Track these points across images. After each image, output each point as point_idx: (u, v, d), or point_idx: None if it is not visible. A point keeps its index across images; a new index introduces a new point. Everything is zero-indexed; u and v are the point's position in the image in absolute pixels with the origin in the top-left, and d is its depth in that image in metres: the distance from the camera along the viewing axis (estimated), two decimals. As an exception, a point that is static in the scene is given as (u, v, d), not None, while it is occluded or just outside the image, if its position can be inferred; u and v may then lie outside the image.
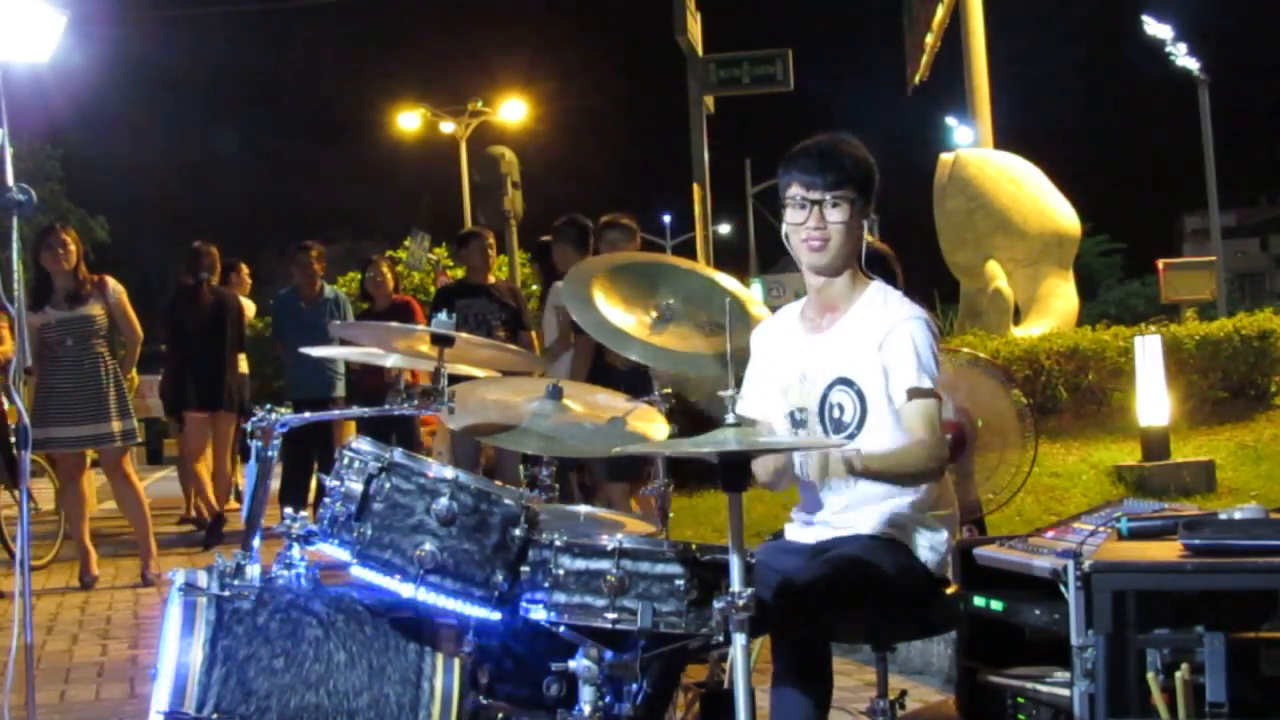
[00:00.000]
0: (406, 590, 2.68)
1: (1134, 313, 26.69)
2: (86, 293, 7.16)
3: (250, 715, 2.60)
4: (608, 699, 2.71)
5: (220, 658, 2.61)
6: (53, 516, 8.23)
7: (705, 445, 2.48)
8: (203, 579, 2.71)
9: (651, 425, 3.33)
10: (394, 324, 4.20)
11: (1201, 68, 25.48)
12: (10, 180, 3.99)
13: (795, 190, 2.96)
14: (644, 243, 9.88)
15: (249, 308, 10.02)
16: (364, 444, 2.77)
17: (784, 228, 3.02)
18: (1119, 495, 6.50)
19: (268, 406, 2.99)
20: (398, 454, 2.74)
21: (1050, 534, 3.51)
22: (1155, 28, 26.13)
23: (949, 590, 3.03)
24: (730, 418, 2.48)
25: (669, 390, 3.48)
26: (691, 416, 3.85)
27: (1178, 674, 2.90)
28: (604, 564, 2.62)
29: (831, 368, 2.99)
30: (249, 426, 2.97)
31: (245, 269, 10.39)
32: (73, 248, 7.12)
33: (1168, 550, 3.01)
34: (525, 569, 2.70)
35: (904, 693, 3.19)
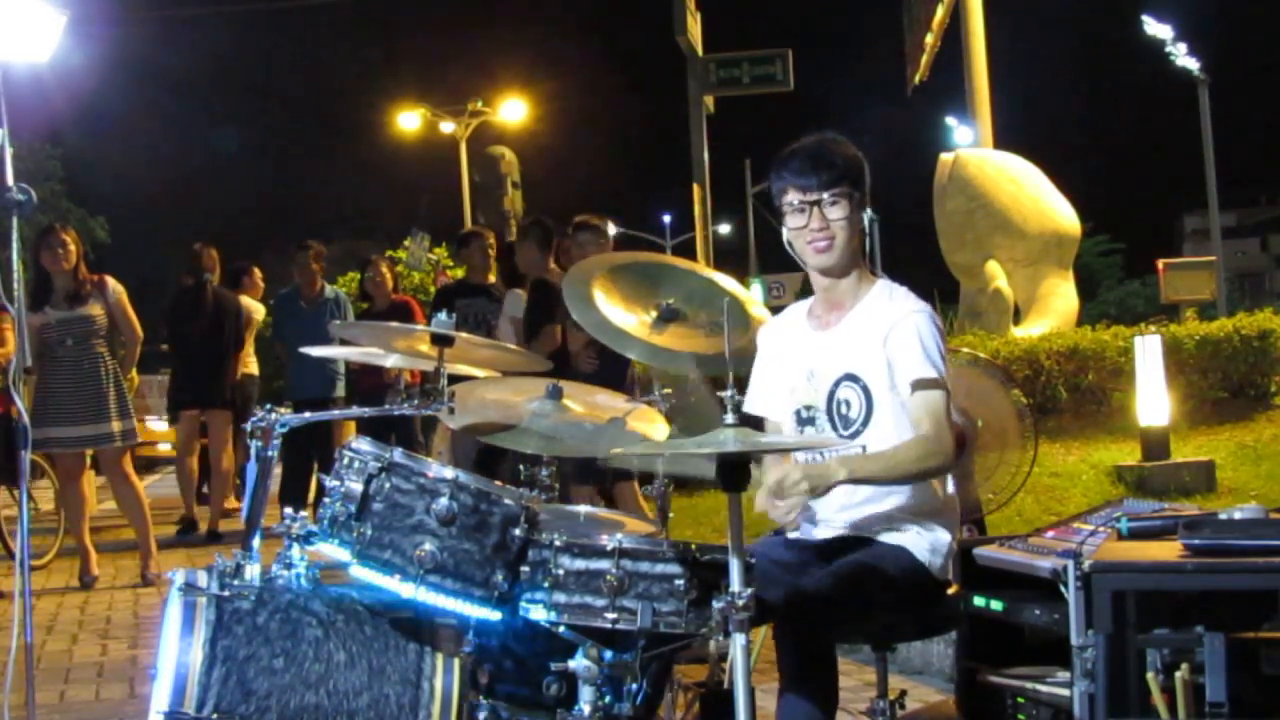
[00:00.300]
0: (406, 590, 2.67)
1: (1134, 313, 26.75)
2: (86, 293, 7.16)
3: (250, 715, 2.60)
4: (607, 699, 2.71)
5: (220, 658, 2.61)
6: (53, 516, 8.23)
7: (705, 446, 2.48)
8: (203, 579, 2.70)
9: (651, 426, 3.33)
10: (394, 324, 4.19)
11: (1201, 68, 25.46)
12: (10, 180, 4.00)
13: (792, 195, 2.96)
14: (644, 243, 9.86)
15: (259, 311, 10.02)
16: (364, 444, 2.76)
17: (785, 234, 3.01)
18: (1119, 495, 6.50)
19: (268, 406, 2.99)
20: (397, 454, 2.74)
21: (1050, 534, 3.50)
22: (1155, 28, 26.11)
23: (950, 591, 3.03)
24: (730, 418, 2.48)
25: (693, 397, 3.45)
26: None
27: (1178, 674, 2.90)
28: (604, 564, 2.62)
29: (838, 364, 2.99)
30: (248, 426, 2.97)
31: (259, 272, 10.40)
32: (72, 248, 7.12)
33: (1168, 550, 3.01)
34: (525, 569, 2.70)
35: (904, 693, 3.20)
